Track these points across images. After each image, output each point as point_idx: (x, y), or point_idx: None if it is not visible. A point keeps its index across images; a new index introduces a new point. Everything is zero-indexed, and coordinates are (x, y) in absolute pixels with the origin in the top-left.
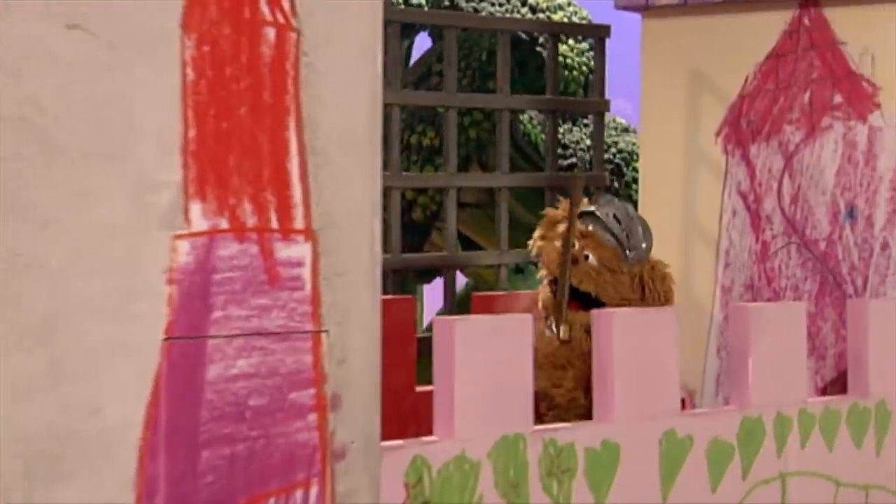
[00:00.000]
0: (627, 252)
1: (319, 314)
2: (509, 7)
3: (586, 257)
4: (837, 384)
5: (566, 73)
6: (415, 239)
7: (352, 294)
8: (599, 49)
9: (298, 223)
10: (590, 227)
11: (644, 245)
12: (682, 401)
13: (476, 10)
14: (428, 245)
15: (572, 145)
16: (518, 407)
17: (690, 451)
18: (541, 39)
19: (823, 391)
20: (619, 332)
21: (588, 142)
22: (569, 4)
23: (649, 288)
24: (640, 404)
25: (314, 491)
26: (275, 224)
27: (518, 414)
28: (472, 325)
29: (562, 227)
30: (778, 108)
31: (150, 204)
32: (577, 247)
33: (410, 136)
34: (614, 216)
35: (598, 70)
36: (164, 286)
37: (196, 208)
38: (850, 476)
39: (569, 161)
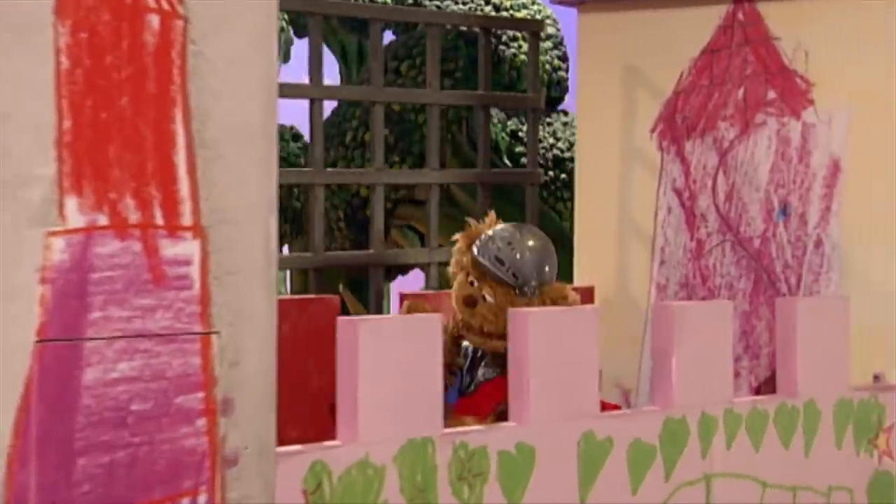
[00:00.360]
0: (521, 289)
1: (209, 315)
2: (473, 6)
3: (484, 298)
4: (771, 383)
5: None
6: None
7: (245, 294)
8: (533, 44)
9: (186, 219)
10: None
11: (535, 280)
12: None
13: (439, 8)
14: (388, 242)
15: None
16: (426, 409)
17: (610, 452)
18: (504, 38)
19: (757, 390)
20: (535, 332)
21: (551, 140)
22: (533, 3)
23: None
24: (557, 406)
25: (202, 499)
26: (160, 220)
27: (426, 416)
28: (377, 325)
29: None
30: (712, 105)
31: (21, 199)
32: (475, 286)
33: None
34: (496, 258)
35: (532, 66)
36: (36, 285)
37: (72, 203)
38: (777, 477)
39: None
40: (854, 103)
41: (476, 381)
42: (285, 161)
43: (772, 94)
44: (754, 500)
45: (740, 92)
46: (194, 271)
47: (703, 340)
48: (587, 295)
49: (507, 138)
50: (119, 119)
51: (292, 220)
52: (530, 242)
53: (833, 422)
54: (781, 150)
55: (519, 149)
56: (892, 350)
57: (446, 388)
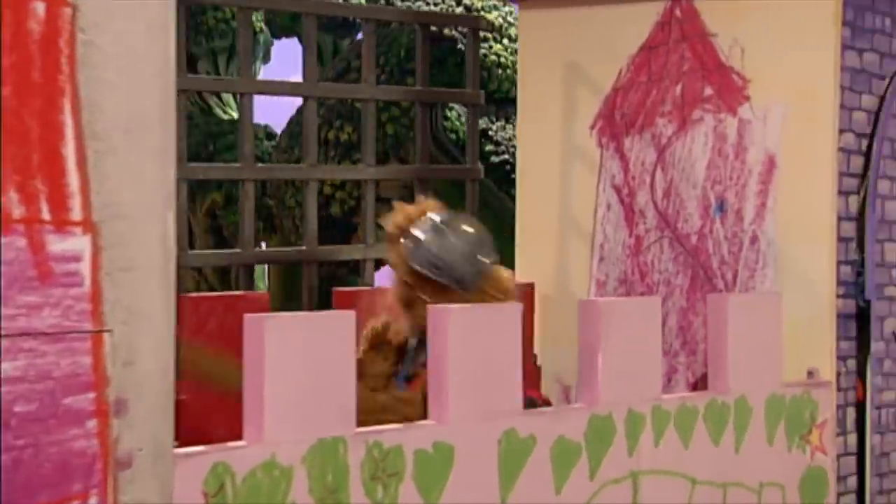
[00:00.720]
0: (457, 286)
1: (101, 312)
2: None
3: (420, 298)
4: (707, 379)
5: (499, 71)
6: (336, 233)
7: (141, 291)
8: (472, 41)
9: (76, 214)
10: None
11: (472, 276)
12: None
13: (409, 8)
14: (354, 239)
15: (504, 142)
16: (338, 408)
17: (533, 450)
18: (464, 37)
19: (694, 386)
20: (455, 330)
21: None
22: (505, 4)
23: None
24: (478, 404)
25: (93, 502)
26: (47, 215)
27: (338, 416)
28: (283, 322)
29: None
30: (651, 101)
31: None
32: (410, 286)
33: (329, 132)
34: (431, 265)
35: (471, 62)
36: None
37: None
38: (707, 474)
39: (500, 158)
40: (789, 100)
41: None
42: (259, 160)
43: (709, 91)
44: (683, 497)
45: (678, 88)
46: (84, 268)
47: (630, 337)
48: (527, 291)
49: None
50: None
51: (265, 217)
52: (461, 240)
53: (764, 418)
54: (718, 146)
55: (489, 147)
56: (827, 346)
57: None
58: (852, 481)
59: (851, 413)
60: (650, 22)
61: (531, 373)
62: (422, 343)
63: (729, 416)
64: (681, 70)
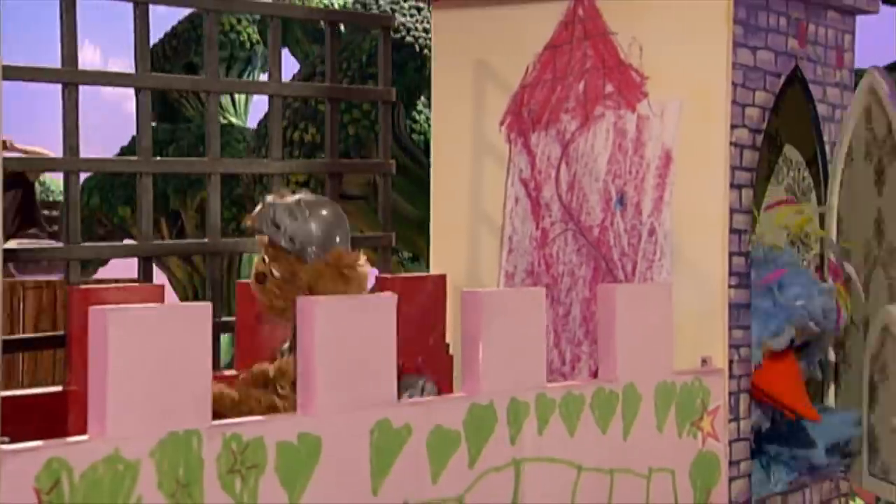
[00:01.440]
0: (299, 255)
1: None
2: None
3: (272, 273)
4: None
5: None
6: None
7: None
8: (384, 39)
9: None
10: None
11: (314, 244)
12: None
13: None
14: None
15: None
16: (191, 401)
17: (408, 441)
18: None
19: (595, 374)
20: (323, 320)
21: None
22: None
23: (345, 274)
24: (348, 395)
25: None
26: None
27: (192, 408)
28: (129, 314)
29: None
30: (556, 98)
31: None
32: (266, 262)
33: (294, 133)
34: (272, 222)
35: (383, 59)
36: None
37: None
38: (593, 461)
39: None
40: (684, 96)
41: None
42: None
43: (609, 88)
44: (568, 483)
45: (581, 85)
46: None
47: (512, 327)
48: (439, 282)
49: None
50: None
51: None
52: (311, 210)
53: (654, 405)
54: (618, 141)
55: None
56: (719, 335)
57: None
58: (745, 466)
59: (745, 400)
60: (555, 21)
61: (444, 362)
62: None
63: (617, 404)
64: (584, 68)
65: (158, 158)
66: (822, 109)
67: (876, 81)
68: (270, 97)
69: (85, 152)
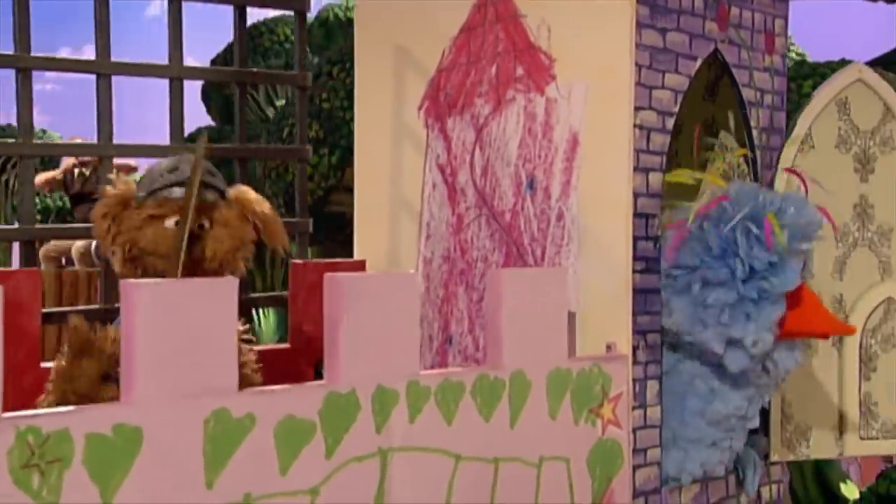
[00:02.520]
0: (224, 193)
1: None
2: None
3: (201, 226)
4: None
5: None
6: None
7: None
8: (300, 23)
9: None
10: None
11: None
12: None
13: None
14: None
15: None
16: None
17: (251, 431)
18: None
19: None
20: (147, 304)
21: None
22: None
23: (251, 216)
24: (178, 383)
25: None
26: None
27: None
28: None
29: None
30: (470, 82)
31: None
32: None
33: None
34: (209, 171)
35: (299, 44)
36: None
37: None
38: (473, 450)
39: None
40: (590, 78)
41: None
42: None
43: (520, 71)
44: (445, 473)
45: (493, 69)
46: None
47: (380, 313)
48: (359, 268)
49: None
50: None
51: None
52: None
53: (546, 392)
54: (528, 125)
55: None
56: (625, 320)
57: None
58: (654, 454)
59: (654, 386)
60: (469, 4)
61: None
62: None
63: (503, 391)
64: (496, 51)
65: (38, 142)
66: (748, 94)
67: (865, 72)
68: (171, 80)
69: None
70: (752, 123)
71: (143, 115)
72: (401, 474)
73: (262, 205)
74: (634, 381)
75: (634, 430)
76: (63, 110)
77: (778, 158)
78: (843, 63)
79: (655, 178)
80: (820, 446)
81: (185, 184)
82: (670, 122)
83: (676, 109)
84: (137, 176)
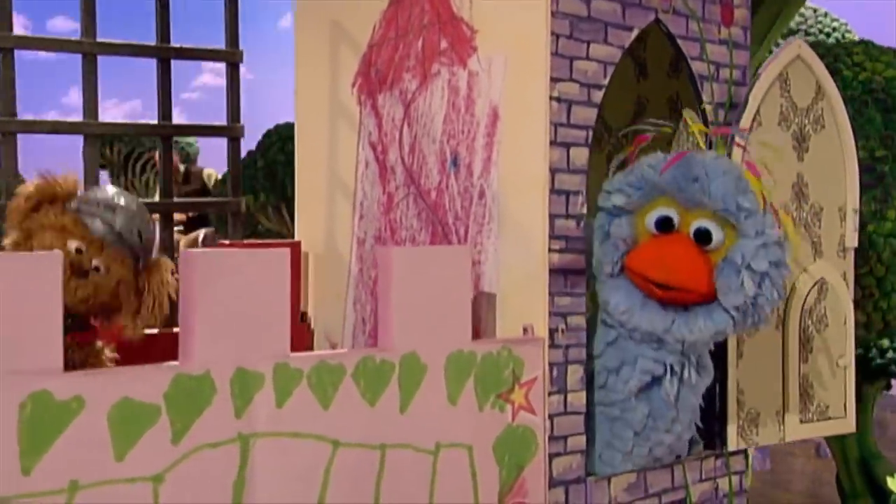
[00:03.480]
0: (141, 261)
1: None
2: None
3: (97, 269)
4: None
5: None
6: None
7: None
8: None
9: None
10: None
11: (152, 244)
12: None
13: None
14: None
15: None
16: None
17: (79, 415)
18: None
19: None
20: None
21: None
22: None
23: (148, 290)
24: None
25: None
26: None
27: None
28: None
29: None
30: (398, 56)
31: None
32: (81, 253)
33: None
34: (112, 209)
35: (230, 20)
36: None
37: None
38: (355, 436)
39: None
40: (509, 49)
41: None
42: None
43: (444, 44)
44: (320, 460)
45: (419, 43)
46: None
47: (241, 292)
48: (295, 250)
49: None
50: None
51: None
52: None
53: (444, 376)
54: (452, 99)
55: None
56: (541, 302)
57: None
58: (577, 441)
59: (577, 371)
60: None
61: (300, 331)
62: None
63: (392, 375)
64: (422, 24)
65: None
66: (699, 68)
67: (804, 51)
68: (84, 55)
69: None
70: (706, 98)
71: None
72: (266, 460)
73: (164, 288)
74: (552, 365)
75: (552, 417)
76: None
77: (733, 137)
78: None
79: (579, 154)
80: (766, 432)
81: (111, 226)
82: (598, 95)
83: (606, 82)
84: None
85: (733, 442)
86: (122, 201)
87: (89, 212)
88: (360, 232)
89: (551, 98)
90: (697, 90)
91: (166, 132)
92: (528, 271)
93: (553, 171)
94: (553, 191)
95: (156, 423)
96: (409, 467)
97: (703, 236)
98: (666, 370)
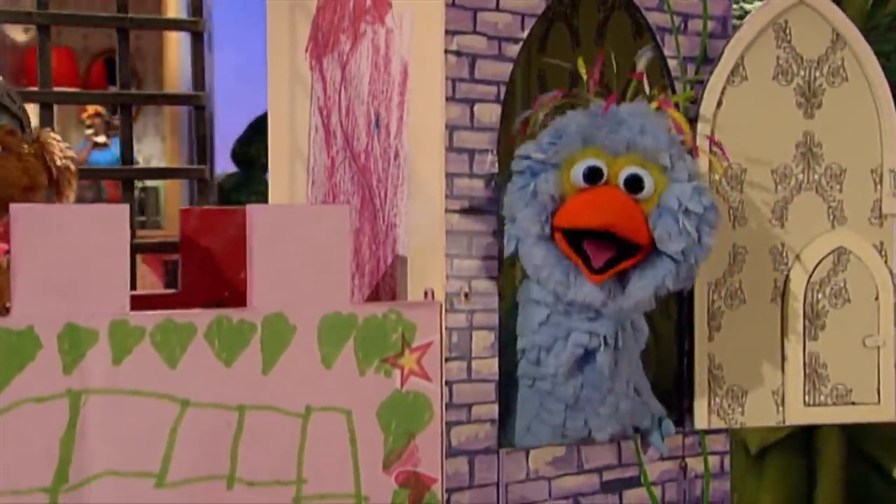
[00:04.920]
0: (25, 129)
1: None
2: None
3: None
4: (374, 298)
5: None
6: None
7: None
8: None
9: None
10: None
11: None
12: None
13: None
14: None
15: None
16: None
17: None
18: None
19: None
20: None
21: None
22: None
23: (50, 162)
24: None
25: None
26: None
27: None
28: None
29: None
30: (336, 18)
31: None
32: None
33: None
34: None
35: (196, 62)
36: None
37: None
38: (209, 396)
39: None
40: (416, 3)
41: None
42: None
43: (369, 2)
44: (166, 418)
45: (351, 3)
46: None
47: (74, 247)
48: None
49: None
50: None
51: None
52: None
53: (318, 339)
54: (374, 59)
55: None
56: (439, 265)
57: None
58: (485, 410)
59: (486, 338)
60: None
61: None
62: None
63: (252, 336)
64: None
65: None
66: (658, 19)
67: None
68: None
69: None
70: (667, 53)
71: None
72: (102, 417)
73: (64, 154)
74: (451, 330)
75: (450, 384)
76: None
77: (702, 95)
78: None
79: (486, 110)
80: (757, 413)
81: None
82: (513, 49)
83: (524, 35)
84: None
85: (703, 420)
86: None
87: None
88: (311, 198)
89: (448, 52)
90: (657, 42)
91: (130, 101)
92: (433, 235)
93: (451, 128)
94: (451, 149)
95: None
96: (273, 429)
97: (633, 184)
98: (600, 343)
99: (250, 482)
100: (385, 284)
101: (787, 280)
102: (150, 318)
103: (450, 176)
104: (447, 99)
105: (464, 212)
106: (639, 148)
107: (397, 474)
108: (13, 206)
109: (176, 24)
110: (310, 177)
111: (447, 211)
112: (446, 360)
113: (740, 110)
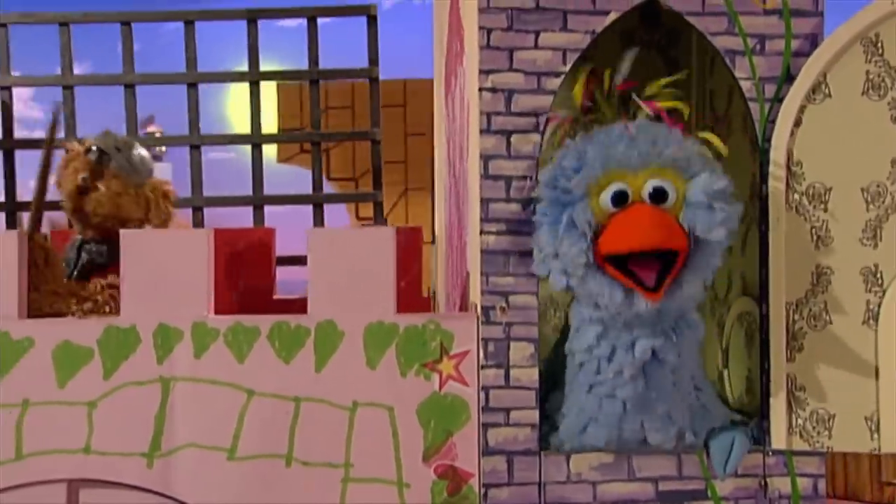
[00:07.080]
0: (136, 177)
1: None
2: None
3: (96, 187)
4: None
5: None
6: None
7: None
8: (370, 27)
9: None
10: (94, 159)
11: (143, 167)
12: None
13: None
14: None
15: None
16: None
17: (29, 350)
18: None
19: None
20: None
21: None
22: None
23: (154, 205)
24: None
25: None
26: None
27: None
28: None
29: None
30: (450, 56)
31: None
32: (86, 179)
33: None
34: (116, 147)
35: (372, 44)
36: None
37: None
38: (270, 387)
39: None
40: (469, 47)
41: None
42: None
43: (457, 46)
44: (235, 404)
45: (455, 47)
46: None
47: (169, 264)
48: (416, 235)
49: None
50: None
51: None
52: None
53: (363, 344)
54: (461, 96)
55: None
56: (476, 281)
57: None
58: (525, 416)
59: (526, 349)
60: None
61: (419, 303)
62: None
63: (307, 339)
64: (453, 26)
65: None
66: (730, 43)
67: None
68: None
69: None
70: (738, 74)
71: None
72: (186, 401)
73: (166, 202)
74: (486, 340)
75: (486, 389)
76: None
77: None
78: None
79: (523, 140)
80: (847, 438)
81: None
82: (553, 83)
83: (566, 69)
84: None
85: (781, 440)
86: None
87: (106, 143)
88: (445, 218)
89: (482, 89)
90: (728, 65)
91: (315, 139)
92: (474, 253)
93: (485, 158)
94: (487, 176)
95: (90, 362)
96: (325, 419)
97: (659, 196)
98: (663, 343)
99: (305, 462)
100: (466, 296)
101: (880, 303)
102: (223, 321)
103: (485, 201)
104: (482, 131)
105: (499, 233)
106: (655, 160)
107: (436, 467)
108: (123, 231)
109: (352, 73)
110: (445, 198)
111: (482, 233)
112: (482, 367)
113: (822, 128)
